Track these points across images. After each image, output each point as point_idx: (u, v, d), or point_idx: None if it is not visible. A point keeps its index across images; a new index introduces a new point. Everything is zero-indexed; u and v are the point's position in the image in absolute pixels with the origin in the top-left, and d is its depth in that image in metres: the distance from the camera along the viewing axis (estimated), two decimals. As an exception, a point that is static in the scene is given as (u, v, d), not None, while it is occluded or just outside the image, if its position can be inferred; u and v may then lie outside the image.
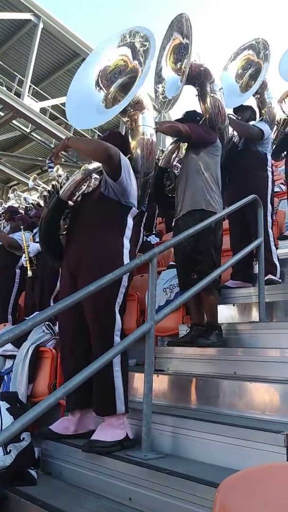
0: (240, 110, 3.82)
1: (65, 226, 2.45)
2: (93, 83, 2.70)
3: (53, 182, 2.47)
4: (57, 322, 2.64)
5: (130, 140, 2.68)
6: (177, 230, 2.89)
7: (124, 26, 2.76)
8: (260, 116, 4.02)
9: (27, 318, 3.08)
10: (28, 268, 4.21)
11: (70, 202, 2.42)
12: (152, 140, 2.70)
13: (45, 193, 2.51)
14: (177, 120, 3.27)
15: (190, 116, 3.18)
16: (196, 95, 3.23)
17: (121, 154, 2.27)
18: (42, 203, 4.59)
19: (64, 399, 2.25)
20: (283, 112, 4.31)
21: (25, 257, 4.24)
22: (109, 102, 2.66)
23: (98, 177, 2.48)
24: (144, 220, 4.76)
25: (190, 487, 1.57)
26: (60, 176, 2.48)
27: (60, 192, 2.38)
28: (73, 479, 2.03)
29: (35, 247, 4.19)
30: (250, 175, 3.52)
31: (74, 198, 2.44)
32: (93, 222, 2.27)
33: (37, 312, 2.99)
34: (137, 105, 2.66)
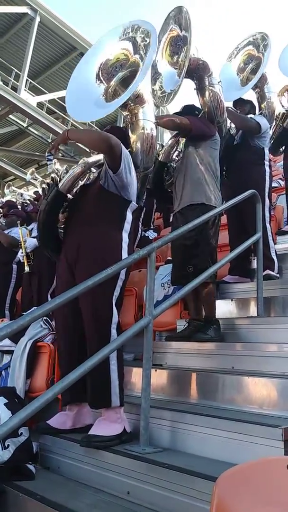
0: (240, 103, 3.81)
1: (63, 220, 2.43)
2: (94, 76, 2.68)
3: (52, 175, 2.45)
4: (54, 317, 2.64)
5: (130, 134, 2.67)
6: (176, 224, 2.88)
7: (122, 20, 2.75)
8: (259, 110, 4.01)
9: (24, 313, 3.08)
10: (25, 263, 4.21)
11: (69, 195, 2.40)
12: (152, 134, 2.68)
13: (44, 185, 2.48)
14: (176, 114, 3.26)
15: (188, 110, 3.16)
16: (195, 89, 3.21)
17: (122, 146, 2.26)
18: (41, 194, 4.61)
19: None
20: (282, 106, 4.30)
21: (22, 253, 4.23)
22: (109, 96, 2.65)
23: (95, 170, 2.46)
24: (142, 215, 4.76)
25: (188, 481, 1.57)
26: (58, 170, 2.46)
27: (60, 184, 2.37)
28: (71, 473, 2.04)
29: (32, 242, 4.18)
30: (247, 169, 3.51)
31: (73, 190, 2.43)
32: (92, 215, 2.26)
33: (35, 308, 2.98)
34: (138, 99, 2.64)
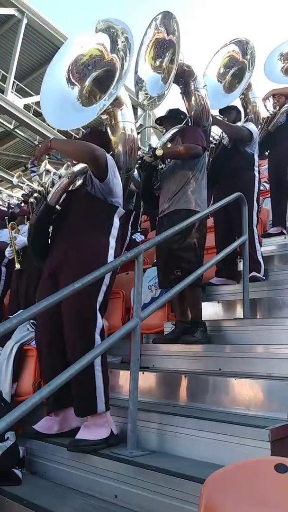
0: (226, 110, 3.84)
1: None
2: (65, 80, 2.60)
3: (40, 188, 2.40)
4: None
5: (111, 136, 2.66)
6: (161, 228, 2.88)
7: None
8: (245, 116, 4.05)
9: (10, 316, 3.05)
10: (15, 260, 4.16)
11: (57, 207, 2.38)
12: (133, 136, 2.68)
13: (32, 199, 2.43)
14: (160, 118, 3.26)
15: (174, 114, 3.18)
16: (180, 93, 3.23)
17: (107, 154, 2.25)
18: (28, 199, 4.55)
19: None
20: (267, 110, 4.35)
21: (11, 249, 4.19)
22: (85, 98, 2.59)
23: (80, 176, 2.44)
24: (132, 219, 4.75)
25: (177, 483, 1.57)
26: (49, 171, 2.42)
27: (48, 198, 2.34)
28: (58, 478, 2.02)
29: (22, 240, 4.14)
30: (237, 176, 3.55)
31: (61, 200, 2.40)
32: (79, 221, 2.25)
33: (21, 310, 2.96)
34: (116, 102, 2.61)
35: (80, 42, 2.64)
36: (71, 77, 2.61)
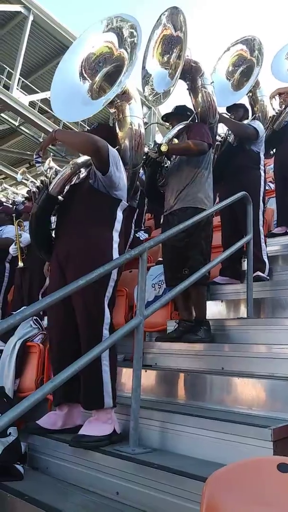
0: (234, 108, 3.82)
1: (55, 221, 2.42)
2: (77, 74, 2.63)
3: (42, 178, 2.42)
4: (46, 316, 2.62)
5: (118, 131, 2.65)
6: (167, 225, 2.87)
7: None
8: (252, 114, 4.03)
9: (14, 312, 3.06)
10: (19, 258, 4.17)
11: (59, 197, 2.39)
12: (140, 131, 2.67)
13: (34, 189, 2.45)
14: (166, 114, 3.25)
15: (180, 110, 3.17)
16: (187, 89, 3.22)
17: (109, 147, 2.25)
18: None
19: (51, 393, 2.24)
20: (273, 109, 4.33)
21: (16, 247, 4.20)
22: (95, 93, 2.60)
23: (84, 170, 2.44)
24: (135, 216, 4.74)
25: (178, 481, 1.58)
26: (51, 168, 2.44)
27: (50, 187, 2.35)
28: (60, 474, 2.02)
29: (26, 238, 4.15)
30: (243, 174, 3.54)
31: (63, 191, 2.41)
32: (82, 215, 2.25)
33: (25, 307, 2.96)
34: (124, 96, 2.62)
35: (91, 42, 2.68)
36: (84, 72, 2.63)
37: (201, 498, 1.11)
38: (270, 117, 4.25)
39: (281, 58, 4.59)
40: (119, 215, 2.29)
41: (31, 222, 2.46)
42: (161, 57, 3.19)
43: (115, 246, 2.22)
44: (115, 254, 2.20)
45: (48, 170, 2.46)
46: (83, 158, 2.42)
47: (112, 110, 2.69)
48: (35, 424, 2.25)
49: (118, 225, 2.27)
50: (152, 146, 2.92)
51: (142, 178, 3.81)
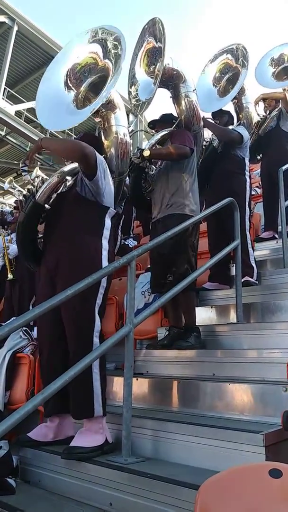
0: (218, 114, 3.86)
1: (43, 230, 2.41)
2: (62, 83, 2.64)
3: (29, 186, 2.42)
4: (36, 326, 2.60)
5: (103, 140, 2.67)
6: (155, 233, 2.88)
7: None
8: (238, 121, 4.08)
9: (3, 324, 3.03)
10: (8, 270, 4.15)
11: (46, 206, 2.39)
12: (126, 139, 2.69)
13: (21, 197, 2.45)
14: (152, 121, 3.28)
15: (166, 118, 3.20)
16: (170, 97, 3.26)
17: (96, 153, 2.26)
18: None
19: (42, 405, 2.22)
20: (258, 115, 4.39)
21: (3, 259, 4.17)
22: (80, 102, 2.62)
23: (70, 178, 2.45)
24: (121, 223, 4.75)
25: (172, 490, 1.57)
26: (38, 177, 2.43)
27: (36, 196, 2.35)
28: (53, 486, 2.00)
29: (15, 249, 4.13)
30: (229, 179, 3.56)
31: (50, 200, 2.41)
32: (70, 224, 2.25)
33: (14, 318, 2.94)
34: (109, 105, 2.64)
35: (76, 52, 2.69)
36: (69, 82, 2.65)
37: (194, 506, 1.11)
38: (255, 123, 4.30)
39: (265, 65, 4.66)
40: (108, 222, 2.30)
41: (18, 230, 2.45)
42: (147, 67, 3.24)
43: (105, 253, 2.22)
44: (105, 262, 2.20)
45: (35, 178, 2.45)
46: (69, 166, 2.43)
47: (98, 120, 2.71)
48: (26, 436, 2.23)
49: (106, 232, 2.27)
50: (135, 151, 2.94)
51: (127, 184, 3.82)
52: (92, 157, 2.21)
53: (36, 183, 2.41)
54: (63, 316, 2.14)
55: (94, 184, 2.23)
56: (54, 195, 2.41)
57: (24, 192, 2.45)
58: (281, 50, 4.71)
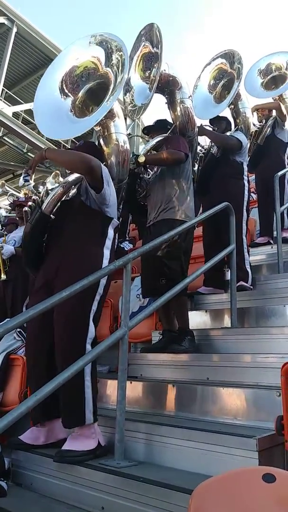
0: (216, 121, 3.88)
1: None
2: (58, 90, 2.61)
3: (34, 197, 2.40)
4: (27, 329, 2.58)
5: (103, 147, 2.67)
6: (149, 236, 2.88)
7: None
8: (235, 126, 4.10)
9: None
10: (1, 271, 4.12)
11: (51, 216, 2.38)
12: (126, 147, 2.70)
13: (27, 208, 2.43)
14: (147, 127, 3.30)
15: (160, 124, 3.22)
16: (166, 103, 3.27)
17: (102, 165, 2.26)
18: (14, 204, 4.48)
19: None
20: (253, 125, 4.42)
21: None
22: (78, 109, 2.61)
23: (74, 186, 2.44)
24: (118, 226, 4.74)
25: (164, 494, 1.56)
26: (43, 185, 2.43)
27: (43, 207, 2.34)
28: (45, 489, 1.99)
29: (9, 249, 4.11)
30: (226, 184, 3.58)
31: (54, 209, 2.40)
32: (74, 232, 2.25)
33: (8, 319, 2.93)
34: (108, 113, 2.63)
35: (75, 55, 2.67)
36: (65, 88, 2.62)
37: (187, 510, 1.11)
38: (252, 132, 4.33)
39: (253, 76, 4.70)
40: (110, 233, 2.29)
41: (24, 240, 2.46)
42: (142, 72, 3.24)
43: (105, 262, 2.21)
44: None
45: (41, 188, 2.45)
46: (74, 176, 2.42)
47: (97, 128, 2.70)
48: (18, 439, 2.20)
49: (109, 243, 2.27)
50: (130, 157, 2.95)
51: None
52: (99, 170, 2.21)
53: (41, 194, 2.40)
54: (55, 320, 2.10)
55: (100, 197, 2.23)
56: (58, 204, 2.40)
57: (19, 195, 2.45)
58: (267, 60, 4.76)
